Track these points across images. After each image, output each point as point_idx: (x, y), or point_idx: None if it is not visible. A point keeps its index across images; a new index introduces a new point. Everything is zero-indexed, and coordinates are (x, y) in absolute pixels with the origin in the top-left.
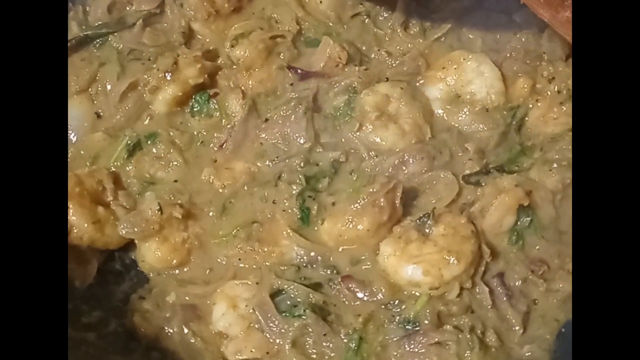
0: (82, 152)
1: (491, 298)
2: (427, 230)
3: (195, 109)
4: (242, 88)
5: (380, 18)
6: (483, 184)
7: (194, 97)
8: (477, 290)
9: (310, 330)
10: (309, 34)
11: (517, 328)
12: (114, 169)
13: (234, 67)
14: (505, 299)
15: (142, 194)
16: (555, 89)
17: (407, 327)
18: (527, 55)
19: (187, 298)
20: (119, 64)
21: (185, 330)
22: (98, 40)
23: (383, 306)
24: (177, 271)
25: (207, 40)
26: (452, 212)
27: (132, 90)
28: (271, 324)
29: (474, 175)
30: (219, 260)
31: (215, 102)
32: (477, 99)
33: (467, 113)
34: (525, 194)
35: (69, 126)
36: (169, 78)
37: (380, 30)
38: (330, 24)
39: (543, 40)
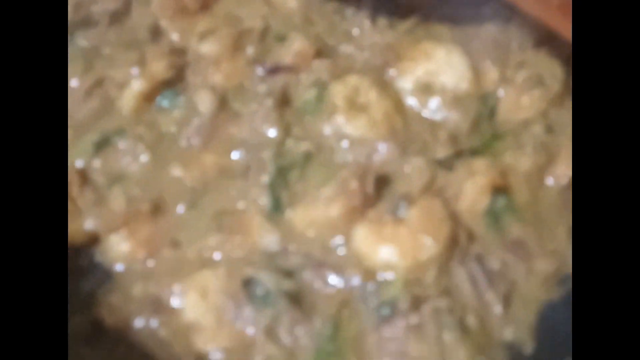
0: None
1: (470, 280)
2: (401, 214)
3: (163, 105)
4: (211, 83)
5: (347, 14)
6: (456, 167)
7: (161, 92)
8: (455, 273)
9: (283, 318)
10: (277, 29)
11: (497, 311)
12: (80, 165)
13: (202, 62)
14: (484, 281)
15: (109, 188)
16: (525, 76)
17: (383, 312)
18: (496, 44)
19: (154, 291)
20: (84, 61)
21: (153, 323)
22: None
23: (358, 292)
24: (144, 264)
25: (174, 37)
26: (426, 196)
27: (97, 86)
28: (243, 314)
29: (446, 160)
30: (188, 252)
31: (183, 97)
32: (448, 88)
33: (439, 102)
34: (499, 175)
35: None
36: (135, 73)
37: (348, 26)
38: (298, 21)
39: (511, 30)
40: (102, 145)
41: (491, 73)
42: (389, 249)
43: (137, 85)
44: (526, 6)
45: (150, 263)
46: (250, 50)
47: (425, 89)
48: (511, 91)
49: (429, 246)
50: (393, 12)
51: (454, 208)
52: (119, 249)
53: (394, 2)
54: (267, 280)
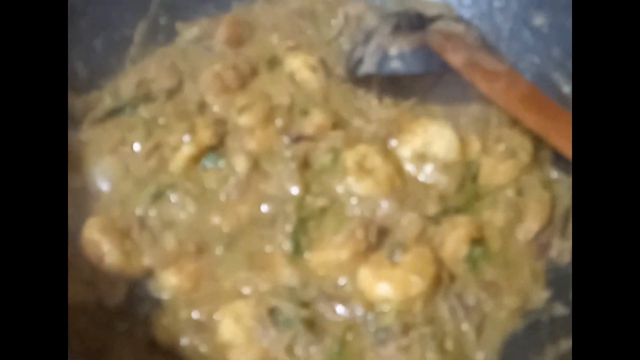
0: (113, 199)
1: (450, 312)
2: (397, 258)
3: (207, 165)
4: (246, 148)
5: (359, 93)
6: (443, 222)
7: (206, 155)
8: (438, 306)
9: (300, 339)
10: (301, 105)
11: (471, 337)
12: (140, 213)
13: (240, 131)
14: (462, 313)
15: (162, 232)
16: (502, 149)
17: (380, 336)
18: (479, 121)
19: (197, 316)
20: (145, 129)
21: (196, 341)
22: (128, 110)
23: (360, 319)
24: (189, 294)
25: (217, 110)
26: (417, 245)
27: (155, 150)
28: (268, 335)
29: (435, 216)
30: (225, 285)
31: (224, 159)
32: (439, 157)
33: (432, 168)
34: (476, 229)
35: (103, 179)
36: (186, 140)
37: (359, 103)
38: (318, 98)
39: (492, 109)
40: (157, 197)
41: (475, 145)
42: (386, 286)
43: (187, 150)
44: (495, 98)
45: (194, 293)
46: (279, 122)
47: (421, 157)
48: (490, 160)
49: (417, 284)
50: (396, 93)
51: (439, 254)
52: (170, 282)
53: (397, 85)
54: (288, 309)
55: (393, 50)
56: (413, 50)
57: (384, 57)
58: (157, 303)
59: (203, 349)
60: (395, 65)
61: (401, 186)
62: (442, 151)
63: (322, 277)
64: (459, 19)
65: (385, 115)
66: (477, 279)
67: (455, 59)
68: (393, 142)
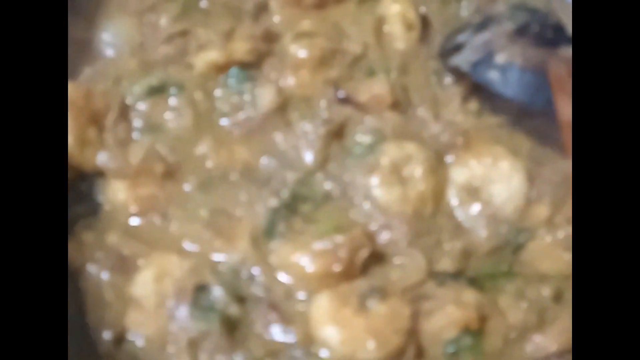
0: (109, 70)
1: None
2: (369, 304)
3: (229, 82)
4: (282, 84)
5: (445, 80)
6: (447, 285)
7: (234, 68)
8: None
9: (210, 339)
10: (370, 63)
11: None
12: (129, 101)
13: (285, 60)
14: None
15: (140, 135)
16: (568, 233)
17: None
18: (564, 185)
19: (124, 248)
20: (183, 6)
21: (104, 277)
22: None
23: (287, 350)
24: (129, 220)
25: (275, 22)
26: (401, 299)
27: (181, 36)
28: (179, 315)
29: (443, 273)
30: (171, 230)
31: (250, 84)
32: (493, 203)
33: (477, 210)
34: (478, 317)
35: (111, 41)
36: (218, 43)
37: (439, 92)
38: (394, 64)
39: None
40: (157, 91)
41: (542, 211)
42: (335, 331)
43: (213, 55)
44: None
45: (135, 221)
46: (334, 72)
47: (472, 191)
48: (548, 238)
49: (370, 351)
50: (487, 102)
51: (419, 323)
52: (116, 196)
53: (495, 94)
54: (218, 296)
55: (500, 57)
56: (523, 68)
57: (485, 60)
58: (92, 211)
59: (107, 293)
60: (493, 76)
61: (429, 215)
62: (500, 198)
63: (277, 278)
64: None
65: (459, 121)
66: None
67: (567, 108)
68: (450, 158)
